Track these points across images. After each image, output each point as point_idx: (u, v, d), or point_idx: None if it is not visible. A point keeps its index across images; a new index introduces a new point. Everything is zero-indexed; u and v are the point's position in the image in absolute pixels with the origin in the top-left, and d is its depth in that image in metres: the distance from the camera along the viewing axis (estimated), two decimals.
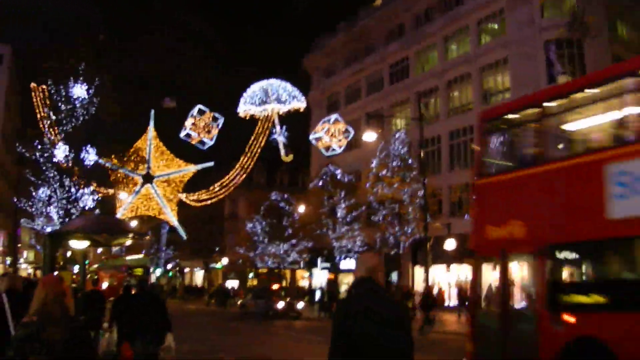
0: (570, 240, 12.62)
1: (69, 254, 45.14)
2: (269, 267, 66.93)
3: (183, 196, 73.97)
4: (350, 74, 66.38)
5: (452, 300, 48.61)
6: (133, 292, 15.19)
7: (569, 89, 15.07)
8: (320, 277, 64.33)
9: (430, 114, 54.31)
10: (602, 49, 42.97)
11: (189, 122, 64.72)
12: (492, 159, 16.17)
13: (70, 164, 49.31)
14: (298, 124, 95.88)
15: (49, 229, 45.12)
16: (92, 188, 52.02)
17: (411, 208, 45.26)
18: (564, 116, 13.95)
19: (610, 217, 11.45)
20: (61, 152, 48.57)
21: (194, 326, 35.16)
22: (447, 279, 50.73)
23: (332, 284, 56.80)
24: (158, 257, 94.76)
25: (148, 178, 71.15)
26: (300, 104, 65.90)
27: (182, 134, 64.55)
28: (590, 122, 13.46)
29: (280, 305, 46.24)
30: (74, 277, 33.40)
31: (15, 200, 55.65)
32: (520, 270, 14.02)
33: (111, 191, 67.21)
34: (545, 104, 13.91)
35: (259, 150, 68.68)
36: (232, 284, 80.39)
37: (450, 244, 42.64)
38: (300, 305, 47.71)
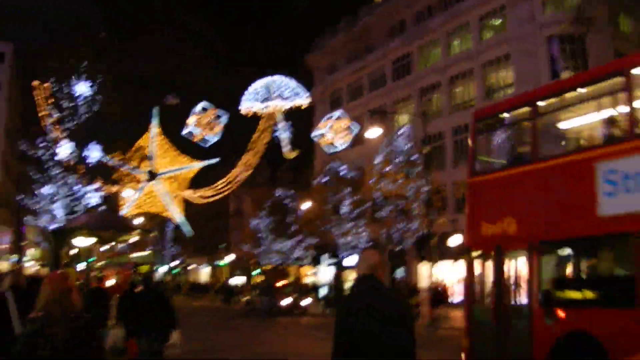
0: (562, 237, 12.86)
1: (74, 251, 45.17)
2: (274, 264, 66.84)
3: (188, 193, 73.98)
4: (353, 71, 66.33)
5: (456, 296, 48.51)
6: (138, 289, 15.23)
7: (560, 88, 15.28)
8: (325, 273, 64.25)
9: (433, 110, 54.21)
10: (604, 44, 42.93)
11: (192, 119, 64.63)
12: (486, 157, 16.51)
13: (73, 162, 49.31)
14: (301, 121, 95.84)
15: (53, 227, 45.19)
16: (96, 185, 52.04)
17: (416, 204, 45.19)
18: (556, 115, 14.22)
19: (601, 215, 11.71)
20: (64, 149, 48.57)
21: (199, 323, 35.25)
22: (452, 275, 50.70)
23: (338, 280, 56.76)
24: (163, 255, 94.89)
25: (152, 175, 71.12)
26: (303, 100, 65.87)
27: (185, 132, 64.47)
28: (581, 120, 13.75)
29: (286, 302, 46.22)
30: (78, 275, 33.38)
31: (19, 197, 55.64)
32: (514, 267, 14.13)
33: (115, 188, 67.20)
34: (537, 103, 14.11)
35: (263, 147, 68.67)
36: (237, 281, 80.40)
37: (455, 240, 42.60)
38: (306, 302, 47.65)
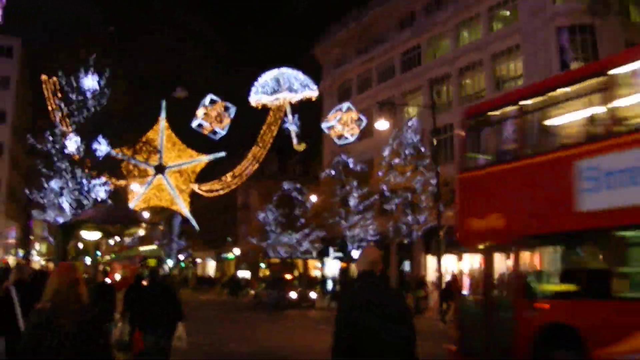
0: (544, 231, 13.31)
1: (81, 246, 45.30)
2: (281, 257, 66.93)
3: (195, 187, 74.12)
4: (362, 63, 66.16)
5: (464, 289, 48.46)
6: (144, 282, 15.30)
7: (545, 87, 15.64)
8: (332, 266, 64.30)
9: (442, 101, 54.07)
10: (614, 34, 42.69)
11: (200, 112, 64.71)
12: (474, 154, 16.99)
13: (81, 155, 49.47)
14: (310, 113, 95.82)
15: (60, 220, 45.34)
16: (103, 179, 52.19)
17: (424, 197, 45.15)
18: (540, 114, 14.64)
19: (581, 210, 12.21)
20: (72, 143, 48.73)
21: (206, 317, 35.34)
22: (460, 268, 50.63)
23: (345, 274, 56.78)
24: (170, 248, 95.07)
25: (160, 169, 71.28)
26: (312, 92, 65.94)
27: (194, 124, 64.59)
28: (564, 119, 14.18)
29: (294, 295, 46.29)
30: (85, 268, 33.52)
31: (27, 191, 55.78)
32: (501, 261, 14.63)
33: (123, 182, 67.35)
34: (522, 102, 14.71)
35: (271, 140, 68.72)
36: (244, 274, 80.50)
37: None
38: (314, 295, 47.73)
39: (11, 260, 62.03)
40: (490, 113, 16.57)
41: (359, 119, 56.83)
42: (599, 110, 12.72)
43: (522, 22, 47.89)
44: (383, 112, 53.76)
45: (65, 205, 49.30)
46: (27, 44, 79.14)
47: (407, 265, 54.48)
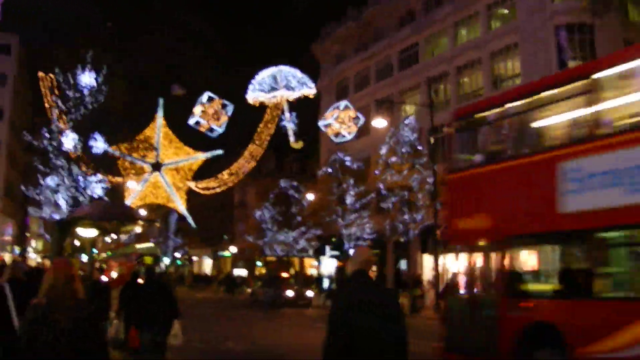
0: (528, 231, 13.66)
1: (77, 243, 45.29)
2: (278, 255, 66.92)
3: (192, 184, 74.11)
4: (360, 61, 66.13)
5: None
6: (140, 280, 15.30)
7: (530, 90, 15.99)
8: (328, 265, 64.28)
9: (440, 100, 54.06)
10: (613, 33, 42.69)
11: (198, 110, 64.70)
12: (462, 155, 17.31)
13: (78, 152, 49.47)
14: (307, 111, 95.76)
15: (57, 217, 45.31)
16: (100, 176, 52.19)
17: (421, 195, 45.17)
18: (525, 115, 14.96)
19: (563, 211, 12.54)
20: (69, 140, 48.72)
21: (202, 314, 35.41)
22: (456, 267, 50.61)
23: (341, 272, 56.74)
24: (166, 246, 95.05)
25: (157, 166, 71.26)
26: (309, 90, 65.90)
27: (192, 122, 64.57)
28: (548, 121, 14.49)
29: (290, 293, 46.28)
30: (81, 266, 33.45)
31: (24, 188, 55.74)
32: (487, 260, 14.90)
33: (120, 179, 67.35)
34: (508, 104, 15.12)
35: (268, 138, 68.70)
36: (241, 272, 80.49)
37: None
38: (310, 293, 47.72)
39: (7, 257, 61.97)
40: (478, 114, 16.83)
41: (357, 117, 56.78)
42: (582, 112, 12.99)
43: (520, 21, 47.89)
44: (380, 110, 53.84)
45: (62, 202, 49.29)
46: (26, 42, 79.25)
47: (403, 264, 54.47)
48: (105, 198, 51.27)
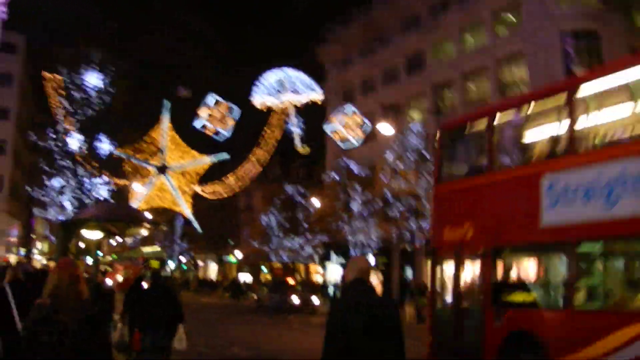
0: (511, 243, 14.17)
1: (82, 245, 45.26)
2: (283, 262, 66.82)
3: (198, 188, 74.08)
4: (366, 65, 66.06)
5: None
6: (145, 283, 15.25)
7: (514, 103, 17.00)
8: (334, 272, 64.15)
9: (446, 106, 53.96)
10: (619, 40, 42.58)
11: (204, 113, 64.69)
12: (450, 166, 17.86)
13: (84, 154, 49.56)
14: (314, 116, 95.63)
15: (62, 219, 45.34)
16: (105, 178, 52.26)
17: (427, 203, 44.97)
18: (509, 129, 15.52)
19: (544, 224, 12.98)
20: (75, 141, 48.79)
21: (207, 319, 35.43)
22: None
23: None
24: (172, 250, 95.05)
25: (163, 169, 71.24)
26: (316, 95, 66.02)
27: (198, 125, 64.57)
28: (531, 134, 15.08)
29: (296, 299, 46.13)
30: (86, 268, 33.38)
31: (29, 189, 55.83)
32: (472, 270, 15.40)
33: (125, 182, 67.37)
34: (493, 117, 15.46)
35: (274, 143, 68.68)
36: (246, 277, 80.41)
37: None
38: (316, 300, 47.53)
39: (12, 258, 62.02)
40: (464, 127, 17.38)
41: (364, 124, 56.67)
42: (561, 127, 13.39)
43: (526, 27, 47.87)
44: (387, 115, 53.69)
45: (67, 204, 49.35)
46: (31, 42, 79.27)
47: (409, 272, 54.27)
48: (111, 200, 51.35)
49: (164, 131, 71.54)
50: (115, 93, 50.80)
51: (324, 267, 67.39)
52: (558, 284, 13.09)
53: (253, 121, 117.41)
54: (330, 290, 59.33)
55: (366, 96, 65.09)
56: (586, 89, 13.16)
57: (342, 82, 69.96)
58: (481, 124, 16.15)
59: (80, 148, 49.33)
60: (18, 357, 5.64)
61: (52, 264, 39.30)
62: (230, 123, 65.32)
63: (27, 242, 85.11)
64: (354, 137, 57.12)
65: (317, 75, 70.73)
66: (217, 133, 65.19)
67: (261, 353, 22.82)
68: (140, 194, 71.24)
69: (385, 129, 40.98)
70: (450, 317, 15.40)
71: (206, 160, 73.51)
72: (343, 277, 57.17)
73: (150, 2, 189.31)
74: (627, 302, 11.85)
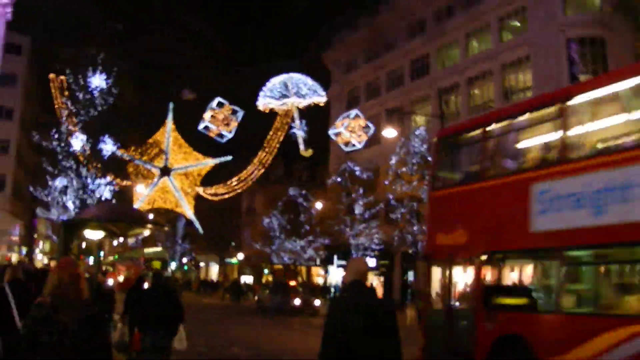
0: (502, 248, 14.50)
1: (84, 245, 45.38)
2: (285, 263, 66.79)
3: (200, 190, 74.10)
4: (371, 70, 66.17)
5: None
6: (146, 284, 15.30)
7: (506, 113, 17.35)
8: (336, 274, 64.11)
9: (450, 111, 53.98)
10: (624, 46, 42.56)
11: (208, 115, 64.76)
12: (444, 174, 18.33)
13: (87, 154, 49.60)
14: (317, 119, 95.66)
15: (63, 218, 45.37)
16: (108, 179, 52.28)
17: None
18: (501, 138, 16.08)
19: (534, 230, 13.38)
20: (78, 141, 48.84)
21: (208, 320, 35.56)
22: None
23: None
24: (174, 251, 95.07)
25: (166, 171, 71.28)
26: (320, 98, 66.03)
27: (201, 127, 64.65)
28: (521, 144, 15.53)
29: (298, 301, 46.11)
30: (87, 268, 33.40)
31: (32, 189, 55.90)
32: (464, 274, 15.84)
33: (128, 183, 67.40)
34: (486, 127, 15.99)
35: (277, 145, 68.69)
36: (247, 279, 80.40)
37: None
38: (318, 302, 47.51)
39: (14, 257, 62.09)
40: (459, 136, 18.04)
41: (367, 127, 56.68)
42: (552, 137, 13.94)
43: (532, 33, 47.92)
44: (391, 119, 53.74)
45: (69, 204, 49.39)
46: (35, 42, 79.32)
47: (411, 276, 54.27)
48: (113, 201, 51.37)
49: (168, 133, 71.62)
50: (119, 94, 50.87)
51: (325, 269, 67.38)
52: (547, 288, 13.46)
53: (257, 123, 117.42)
54: (332, 292, 59.30)
55: (371, 100, 65.15)
56: (576, 101, 13.61)
57: (346, 86, 70.04)
58: (475, 133, 16.65)
59: (83, 149, 49.37)
60: (18, 356, 5.65)
61: (53, 263, 39.44)
62: (233, 125, 65.37)
63: (29, 241, 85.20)
64: (358, 140, 57.10)
65: (323, 78, 70.78)
66: (220, 135, 65.22)
67: (261, 353, 22.90)
68: (143, 194, 71.28)
69: (389, 133, 40.96)
70: (443, 320, 15.73)
71: (209, 162, 73.56)
72: (343, 279, 57.54)
73: (150, 2, 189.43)
74: (614, 306, 12.28)
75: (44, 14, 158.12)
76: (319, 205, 59.72)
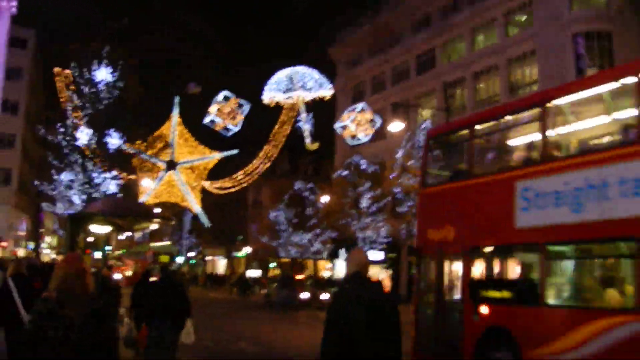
0: (488, 244, 15.19)
1: (90, 239, 45.36)
2: (292, 257, 66.77)
3: (207, 183, 74.11)
4: (376, 64, 66.13)
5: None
6: (154, 278, 15.29)
7: (493, 114, 18.34)
8: (343, 268, 63.99)
9: (456, 105, 53.91)
10: (631, 41, 42.44)
11: (213, 109, 64.72)
12: (434, 171, 19.06)
13: (93, 148, 49.64)
14: (323, 113, 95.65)
15: (70, 212, 45.42)
16: (114, 173, 52.31)
17: None
18: (488, 138, 17.06)
19: (517, 227, 14.03)
20: (84, 135, 48.87)
21: (215, 314, 35.69)
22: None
23: None
24: (180, 245, 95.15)
25: (172, 165, 71.31)
26: (326, 92, 66.01)
27: (207, 120, 64.61)
28: (507, 144, 16.39)
29: (305, 295, 46.09)
30: (93, 263, 33.47)
31: (38, 183, 55.94)
32: (453, 268, 16.40)
33: (134, 177, 67.48)
34: (473, 127, 16.58)
35: (283, 139, 68.66)
36: (254, 273, 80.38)
37: None
38: (325, 295, 47.44)
39: (21, 252, 62.20)
40: (448, 135, 18.92)
41: (373, 120, 56.57)
42: (535, 137, 14.51)
43: (538, 28, 47.85)
44: (397, 113, 53.62)
45: (75, 199, 49.43)
46: (40, 37, 79.50)
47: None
48: (119, 195, 51.41)
49: (173, 127, 71.60)
50: (125, 87, 50.94)
51: (332, 263, 67.35)
52: (531, 281, 13.91)
53: (263, 117, 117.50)
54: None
55: (377, 94, 65.08)
56: (557, 103, 14.29)
57: (352, 80, 69.99)
58: (464, 132, 17.30)
59: (89, 142, 49.41)
60: (23, 351, 5.63)
61: (60, 257, 39.53)
62: (239, 118, 65.33)
63: (35, 236, 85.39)
64: (364, 134, 56.97)
65: (327, 74, 70.68)
66: (226, 128, 65.17)
67: (268, 348, 22.99)
68: (149, 189, 71.31)
69: (395, 126, 40.87)
70: (432, 313, 16.46)
71: (215, 156, 73.56)
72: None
73: (151, 2, 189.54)
74: (595, 299, 12.90)
75: (44, 14, 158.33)
76: (325, 198, 59.70)
